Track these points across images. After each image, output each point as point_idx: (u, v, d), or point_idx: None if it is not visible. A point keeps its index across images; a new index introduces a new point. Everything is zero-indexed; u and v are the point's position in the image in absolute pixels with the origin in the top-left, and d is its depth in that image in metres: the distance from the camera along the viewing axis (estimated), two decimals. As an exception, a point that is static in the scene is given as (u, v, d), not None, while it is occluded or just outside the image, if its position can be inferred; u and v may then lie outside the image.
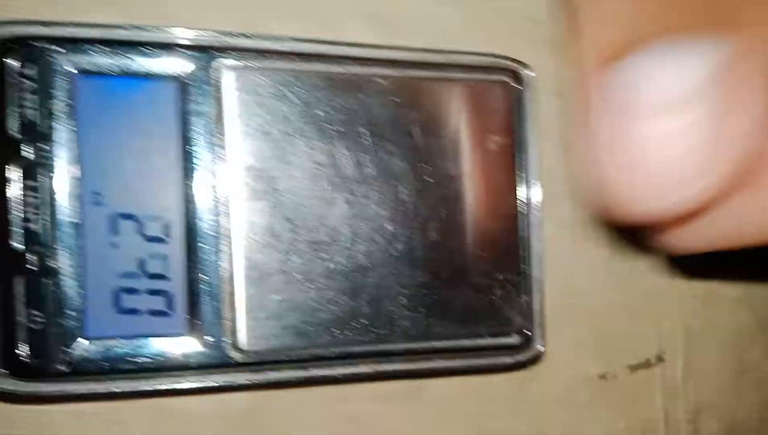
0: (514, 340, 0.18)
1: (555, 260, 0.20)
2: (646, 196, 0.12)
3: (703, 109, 0.12)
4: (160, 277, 0.15)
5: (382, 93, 0.17)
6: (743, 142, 0.12)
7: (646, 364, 0.20)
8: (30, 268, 0.14)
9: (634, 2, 0.12)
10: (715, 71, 0.11)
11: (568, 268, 0.20)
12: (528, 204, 0.18)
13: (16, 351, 0.14)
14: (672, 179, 0.12)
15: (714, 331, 0.21)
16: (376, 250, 0.16)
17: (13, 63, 0.14)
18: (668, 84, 0.12)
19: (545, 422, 0.19)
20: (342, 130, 0.16)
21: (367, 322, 0.16)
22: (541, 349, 0.18)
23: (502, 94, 0.18)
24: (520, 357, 0.18)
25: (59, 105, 0.14)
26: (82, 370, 0.14)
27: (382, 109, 0.17)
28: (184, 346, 0.15)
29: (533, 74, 0.18)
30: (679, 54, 0.11)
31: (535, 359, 0.18)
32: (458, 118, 0.17)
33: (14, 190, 0.14)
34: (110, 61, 0.15)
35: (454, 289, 0.17)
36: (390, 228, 0.17)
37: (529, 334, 0.18)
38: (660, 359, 0.21)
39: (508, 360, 0.18)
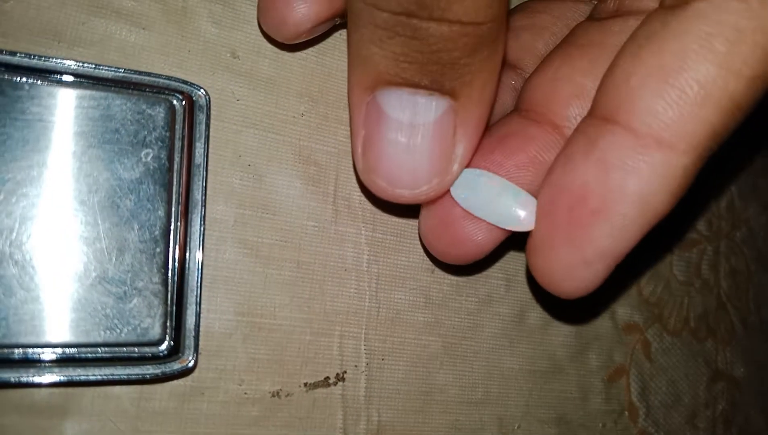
0: (159, 351, 0.18)
1: (236, 281, 0.20)
2: (385, 186, 0.17)
3: (425, 139, 0.16)
4: None
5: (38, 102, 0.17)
6: (450, 166, 0.17)
7: (325, 383, 0.21)
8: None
9: (383, 53, 0.15)
10: (437, 117, 0.16)
11: (250, 288, 0.20)
12: (184, 220, 0.18)
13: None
14: (401, 179, 0.17)
15: (400, 353, 0.22)
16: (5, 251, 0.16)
17: None
18: (406, 114, 0.16)
19: (210, 439, 0.19)
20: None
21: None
22: (190, 360, 0.18)
23: (166, 113, 0.19)
24: (166, 368, 0.18)
25: None
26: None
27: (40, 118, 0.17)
28: None
29: (204, 97, 0.19)
30: (416, 98, 0.16)
31: (185, 372, 0.18)
32: (116, 132, 0.18)
33: None
34: None
35: (93, 295, 0.17)
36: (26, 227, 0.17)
37: (177, 345, 0.18)
38: (341, 378, 0.21)
39: (153, 371, 0.18)
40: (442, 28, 0.14)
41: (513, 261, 0.25)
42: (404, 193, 0.17)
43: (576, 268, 0.16)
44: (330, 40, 0.22)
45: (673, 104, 0.14)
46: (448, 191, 0.18)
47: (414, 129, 0.16)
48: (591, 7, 0.21)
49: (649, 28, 0.15)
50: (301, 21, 0.19)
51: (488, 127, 0.19)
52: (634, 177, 0.15)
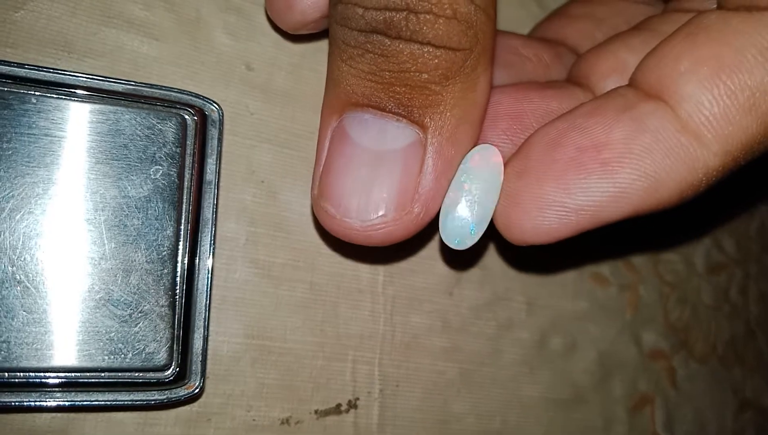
0: (164, 376, 0.17)
1: (246, 302, 0.19)
2: (333, 212, 0.15)
3: (386, 167, 0.15)
4: None
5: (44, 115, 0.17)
6: (411, 204, 0.15)
7: (337, 410, 0.20)
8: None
9: (352, 71, 0.14)
10: (402, 147, 0.15)
11: (260, 310, 0.20)
12: (194, 239, 0.18)
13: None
14: (351, 206, 0.15)
15: (415, 379, 0.21)
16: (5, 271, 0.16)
17: None
18: (370, 139, 0.15)
19: (216, 468, 0.19)
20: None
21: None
22: (196, 387, 0.17)
23: (177, 129, 0.18)
24: (172, 395, 0.17)
25: None
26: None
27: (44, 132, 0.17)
28: None
29: (217, 112, 0.18)
30: (381, 122, 0.15)
31: (192, 398, 0.18)
32: (125, 148, 0.17)
33: None
34: None
35: (98, 317, 0.16)
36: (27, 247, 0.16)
37: (183, 371, 0.17)
38: (353, 405, 0.20)
39: (158, 397, 0.17)
40: (412, 46, 0.14)
41: (534, 285, 0.24)
42: (353, 224, 0.15)
43: (547, 208, 0.15)
44: (348, 53, 0.22)
45: (720, 102, 0.13)
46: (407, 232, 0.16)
47: (376, 156, 0.15)
48: (647, 6, 0.21)
49: (706, 19, 0.14)
50: (308, 10, 0.18)
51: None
52: (662, 150, 0.14)
